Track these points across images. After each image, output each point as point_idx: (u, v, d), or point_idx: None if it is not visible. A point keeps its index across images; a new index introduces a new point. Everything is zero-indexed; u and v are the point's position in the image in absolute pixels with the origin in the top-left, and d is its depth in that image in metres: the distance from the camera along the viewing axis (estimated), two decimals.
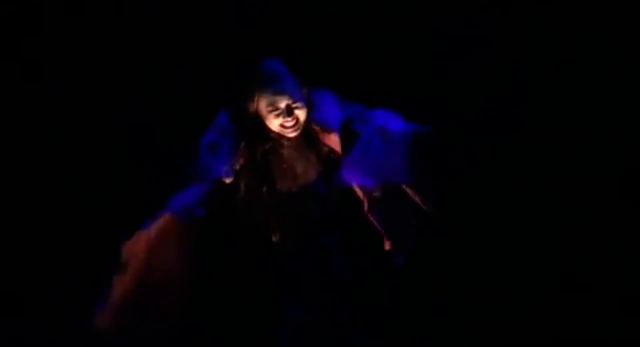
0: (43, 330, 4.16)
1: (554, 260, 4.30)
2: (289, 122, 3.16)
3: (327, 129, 3.24)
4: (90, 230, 4.23)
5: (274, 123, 3.17)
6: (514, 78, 4.30)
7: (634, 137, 4.27)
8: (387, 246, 3.23)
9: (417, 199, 3.17)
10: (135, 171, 4.22)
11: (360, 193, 3.23)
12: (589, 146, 4.29)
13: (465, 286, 4.27)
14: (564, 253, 4.30)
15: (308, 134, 3.26)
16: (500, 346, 4.23)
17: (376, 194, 3.17)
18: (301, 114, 3.18)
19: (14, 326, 4.16)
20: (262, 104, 3.15)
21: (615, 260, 4.28)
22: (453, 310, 4.26)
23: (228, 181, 3.23)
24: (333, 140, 3.23)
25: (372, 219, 3.22)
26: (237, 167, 3.24)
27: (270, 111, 3.14)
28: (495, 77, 4.30)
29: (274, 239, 3.29)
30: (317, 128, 3.25)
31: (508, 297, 4.29)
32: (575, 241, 4.30)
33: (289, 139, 3.21)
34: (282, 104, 3.14)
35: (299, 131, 3.20)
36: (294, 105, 3.15)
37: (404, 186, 3.18)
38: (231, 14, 4.28)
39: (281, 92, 3.13)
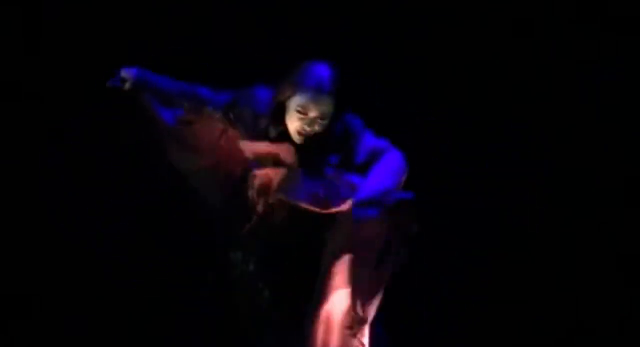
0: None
1: (554, 261, 4.31)
2: (306, 131, 3.16)
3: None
4: (90, 230, 4.24)
5: (294, 123, 3.16)
6: (515, 80, 4.30)
7: (634, 138, 4.27)
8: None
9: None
10: (135, 171, 4.22)
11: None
12: (590, 147, 4.29)
13: (465, 286, 4.27)
14: (564, 254, 4.31)
15: (317, 144, 3.23)
16: (500, 346, 4.25)
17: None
18: (320, 129, 3.18)
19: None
20: (294, 102, 3.14)
21: (615, 260, 4.29)
22: (452, 310, 4.27)
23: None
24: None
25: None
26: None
27: (298, 112, 3.14)
28: (495, 79, 4.30)
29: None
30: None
31: (508, 297, 4.30)
32: (575, 241, 4.30)
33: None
34: (312, 114, 3.14)
35: (304, 140, 3.19)
36: (321, 121, 3.15)
37: None
38: (232, 12, 4.29)
39: (318, 103, 3.13)
